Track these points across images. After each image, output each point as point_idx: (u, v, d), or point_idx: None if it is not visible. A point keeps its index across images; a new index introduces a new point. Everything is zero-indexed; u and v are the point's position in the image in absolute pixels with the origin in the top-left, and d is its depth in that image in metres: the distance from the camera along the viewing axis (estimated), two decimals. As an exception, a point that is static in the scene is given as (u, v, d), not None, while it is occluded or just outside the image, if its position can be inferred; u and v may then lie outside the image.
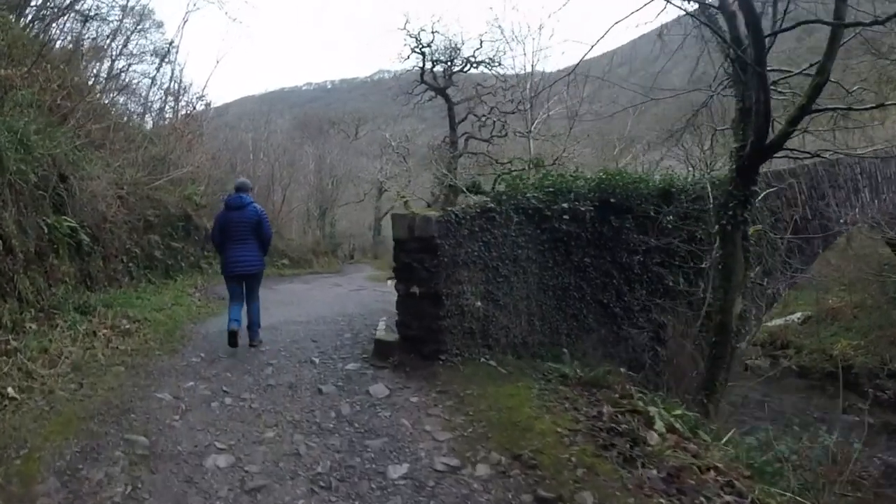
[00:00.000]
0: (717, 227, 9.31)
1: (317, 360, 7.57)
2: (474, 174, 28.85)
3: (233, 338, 7.77)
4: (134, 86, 21.76)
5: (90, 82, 17.52)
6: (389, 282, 17.94)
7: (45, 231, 9.42)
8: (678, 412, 6.02)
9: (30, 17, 16.70)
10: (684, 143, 35.58)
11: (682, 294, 10.42)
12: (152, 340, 8.40)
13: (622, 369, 7.71)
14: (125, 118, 18.69)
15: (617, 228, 9.66)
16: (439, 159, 31.14)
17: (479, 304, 7.41)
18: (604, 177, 10.25)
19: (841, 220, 14.62)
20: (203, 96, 24.45)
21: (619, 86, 14.81)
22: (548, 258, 8.77)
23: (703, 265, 10.38)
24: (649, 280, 10.21)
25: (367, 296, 14.18)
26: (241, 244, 8.06)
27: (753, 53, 7.83)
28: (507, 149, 31.43)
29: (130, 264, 13.43)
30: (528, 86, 22.61)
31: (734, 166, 8.96)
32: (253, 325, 8.28)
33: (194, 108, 24.92)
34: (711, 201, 10.33)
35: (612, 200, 9.63)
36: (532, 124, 22.87)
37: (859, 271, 23.43)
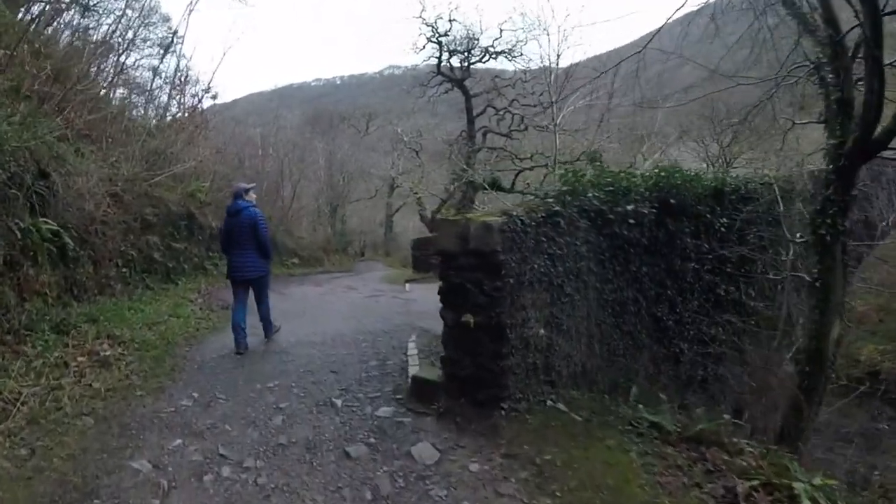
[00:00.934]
0: (812, 237, 7.83)
1: (339, 402, 6.09)
2: (493, 170, 27.29)
3: (239, 349, 8.14)
4: (136, 78, 20.21)
5: (92, 74, 16.12)
6: (408, 285, 16.59)
7: (19, 236, 8.02)
8: (818, 482, 4.55)
9: (36, 12, 15.29)
10: (703, 140, 34.42)
11: (741, 306, 9.06)
12: (136, 373, 6.93)
13: (725, 416, 6.21)
14: (125, 110, 17.15)
15: (672, 233, 8.36)
16: (457, 154, 29.63)
17: (542, 331, 5.90)
18: (662, 174, 8.79)
19: (883, 223, 13.74)
20: (209, 88, 22.74)
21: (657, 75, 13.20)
22: (608, 269, 7.35)
23: (770, 276, 9.01)
24: (701, 290, 8.83)
25: (386, 304, 12.82)
26: (240, 250, 8.21)
27: (869, 33, 6.36)
28: (525, 144, 29.92)
29: (125, 269, 12.08)
30: (553, 77, 20.98)
31: (830, 166, 7.55)
32: (265, 322, 8.71)
33: (200, 101, 23.47)
34: (781, 205, 8.98)
35: (671, 201, 8.22)
36: (558, 117, 21.28)
37: (887, 273, 21.98)
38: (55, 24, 16.08)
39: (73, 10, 16.64)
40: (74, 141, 12.36)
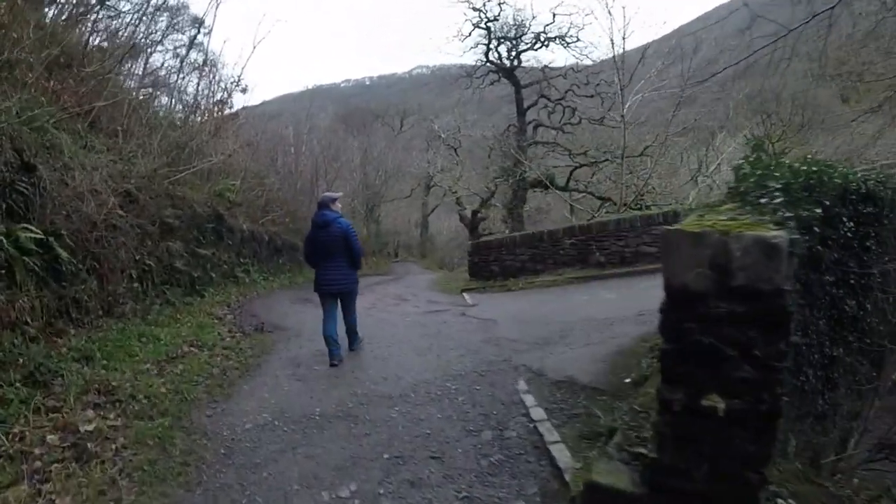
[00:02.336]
0: None
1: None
2: (548, 167, 24.97)
3: (333, 360, 7.77)
4: (160, 70, 18.20)
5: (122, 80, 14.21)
6: (468, 296, 14.45)
7: (-14, 248, 5.96)
8: None
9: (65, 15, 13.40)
10: (753, 133, 31.95)
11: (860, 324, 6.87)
12: (127, 474, 4.41)
13: None
14: (146, 101, 15.16)
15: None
16: (502, 149, 27.36)
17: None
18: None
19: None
20: (239, 81, 20.74)
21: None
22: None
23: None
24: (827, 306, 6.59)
25: (457, 325, 10.46)
26: (330, 262, 7.99)
27: None
28: (579, 138, 27.55)
29: (138, 283, 10.00)
30: (621, 62, 18.57)
31: None
32: (351, 334, 8.48)
33: (230, 95, 21.50)
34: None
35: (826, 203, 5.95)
36: (625, 106, 18.90)
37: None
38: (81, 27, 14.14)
39: (99, 12, 14.68)
40: (84, 134, 10.46)
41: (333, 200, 8.33)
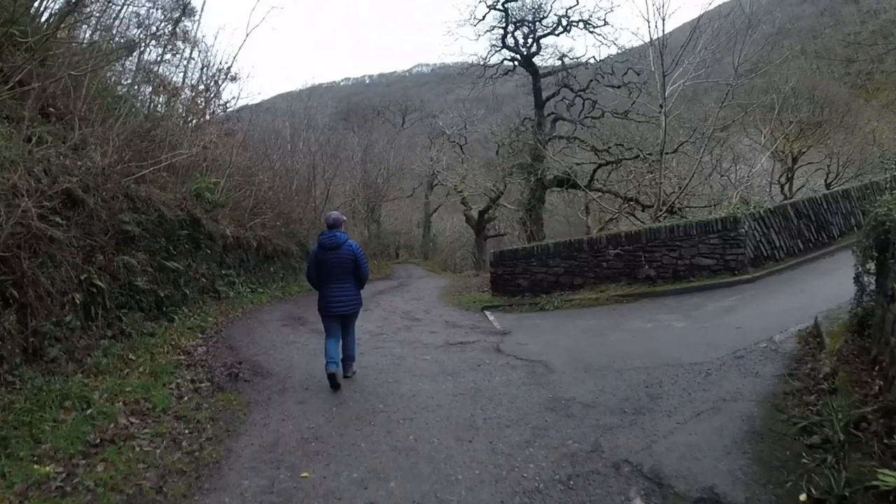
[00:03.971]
0: None
1: None
2: (572, 164, 22.54)
3: (333, 380, 7.23)
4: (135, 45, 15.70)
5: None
6: (491, 315, 12.18)
7: None
8: None
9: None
10: (771, 132, 29.77)
11: None
12: None
13: None
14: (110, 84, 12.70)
15: None
16: (522, 144, 24.98)
17: None
18: None
19: None
20: (229, 69, 18.44)
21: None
22: None
23: None
24: None
25: (498, 371, 7.69)
26: (337, 284, 7.67)
27: None
28: (599, 133, 25.14)
29: (81, 312, 7.67)
30: (661, 44, 16.10)
31: None
32: (347, 360, 7.91)
33: (216, 82, 19.11)
34: None
35: None
36: (663, 97, 16.39)
37: None
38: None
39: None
40: (32, 122, 8.14)
41: (343, 222, 7.99)
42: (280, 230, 19.35)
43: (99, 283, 8.18)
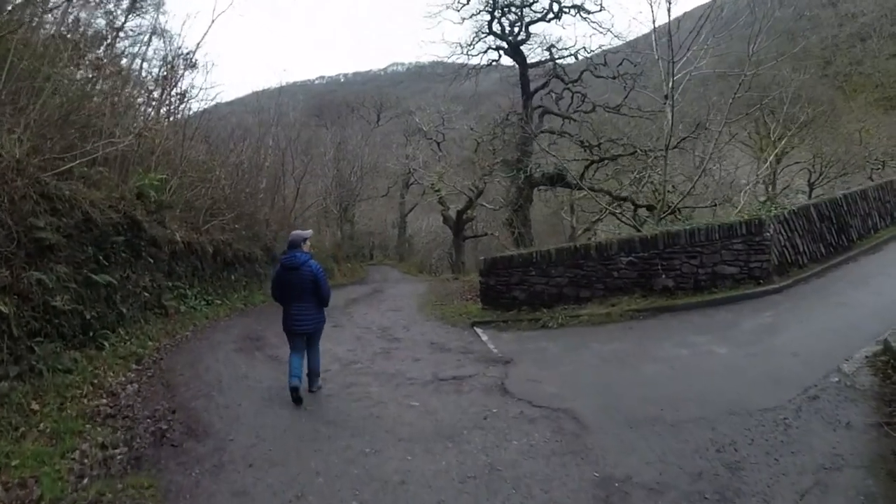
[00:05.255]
0: None
1: None
2: (564, 159, 20.94)
3: (296, 393, 7.14)
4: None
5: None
6: (483, 333, 10.56)
7: None
8: None
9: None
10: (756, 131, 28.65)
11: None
12: None
13: None
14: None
15: None
16: (507, 139, 23.39)
17: None
18: None
19: None
20: (188, 55, 16.58)
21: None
22: None
23: None
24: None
25: (513, 431, 5.76)
26: (299, 303, 7.59)
27: None
28: (590, 129, 23.59)
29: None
30: (668, 30, 14.49)
31: None
32: (312, 375, 7.77)
33: (173, 67, 17.17)
34: None
35: None
36: (669, 85, 14.75)
37: None
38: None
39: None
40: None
41: (305, 240, 7.89)
42: (241, 233, 17.35)
43: (1, 306, 6.37)
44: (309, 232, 8.33)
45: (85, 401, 6.53)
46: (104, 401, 6.68)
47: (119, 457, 5.27)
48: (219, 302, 14.18)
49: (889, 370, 5.96)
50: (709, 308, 10.20)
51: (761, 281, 10.69)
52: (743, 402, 5.78)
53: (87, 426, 5.85)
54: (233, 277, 16.09)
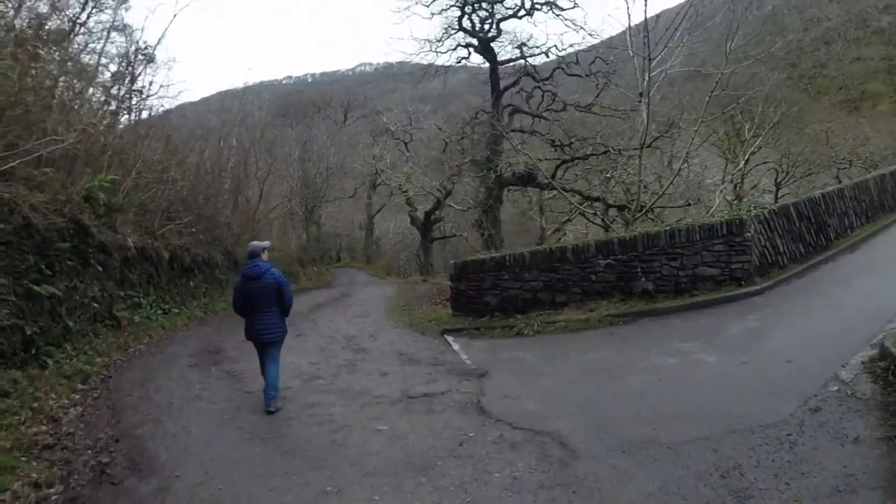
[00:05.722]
0: None
1: None
2: (535, 158, 20.56)
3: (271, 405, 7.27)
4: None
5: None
6: (455, 343, 10.27)
7: None
8: None
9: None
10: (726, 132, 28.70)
11: None
12: None
13: None
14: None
15: None
16: (477, 138, 22.98)
17: None
18: None
19: None
20: (147, 49, 15.86)
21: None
22: None
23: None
24: None
25: (496, 462, 5.09)
26: (261, 313, 7.59)
27: None
28: (560, 128, 23.32)
29: None
30: (645, 24, 14.14)
31: None
32: (269, 389, 7.49)
33: (131, 63, 16.41)
34: None
35: None
36: (645, 82, 14.35)
37: None
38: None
39: None
40: None
41: (264, 250, 7.94)
42: (200, 237, 16.57)
43: None
44: (267, 243, 8.41)
45: (22, 428, 5.86)
46: (44, 428, 6.02)
47: (54, 497, 4.63)
48: (176, 311, 13.51)
49: (890, 377, 5.62)
50: (691, 312, 9.87)
51: (743, 282, 10.42)
52: (742, 418, 5.35)
53: (23, 459, 5.19)
54: (191, 284, 15.37)
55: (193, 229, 15.93)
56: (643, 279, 10.70)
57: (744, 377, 6.49)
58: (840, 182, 30.34)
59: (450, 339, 10.94)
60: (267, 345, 7.63)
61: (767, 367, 6.68)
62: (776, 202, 21.51)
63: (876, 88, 57.42)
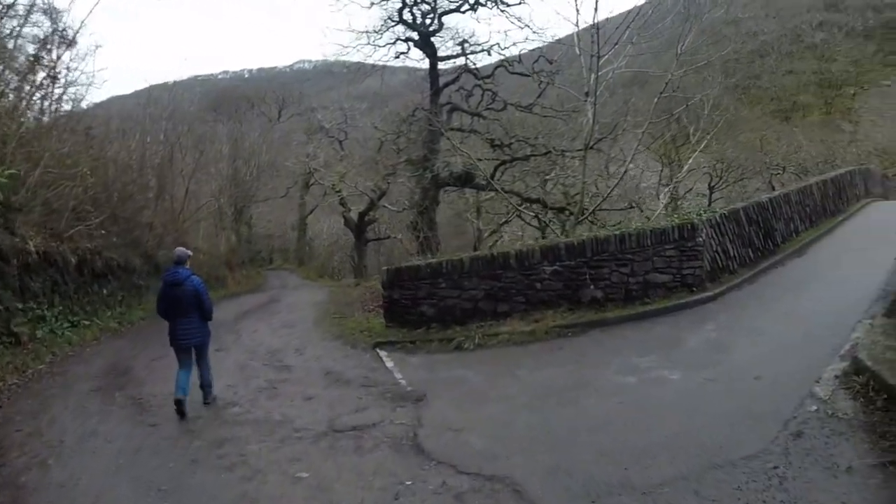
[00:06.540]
0: None
1: None
2: (471, 160, 19.92)
3: (180, 406, 7.45)
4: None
5: None
6: (388, 360, 9.60)
7: None
8: None
9: None
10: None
11: None
12: None
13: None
14: None
15: None
16: (413, 136, 22.31)
17: None
18: None
19: None
20: (65, 30, 14.55)
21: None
22: None
23: None
24: None
25: (426, 494, 4.61)
26: (183, 318, 7.94)
27: None
28: (503, 126, 22.83)
29: None
30: (595, 22, 13.74)
31: None
32: (206, 387, 8.10)
33: (45, 46, 15.14)
34: None
35: None
36: (594, 80, 13.91)
37: None
38: None
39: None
40: None
41: (189, 257, 8.29)
42: (114, 240, 15.21)
43: None
44: (190, 252, 8.71)
45: None
46: None
47: None
48: (87, 322, 12.32)
49: (870, 393, 5.25)
50: (643, 321, 9.45)
51: (695, 288, 10.10)
52: (721, 448, 4.75)
53: None
54: (105, 292, 14.12)
55: (105, 231, 14.55)
56: (592, 287, 10.15)
57: (713, 397, 5.97)
58: (773, 187, 31.01)
59: (383, 353, 10.14)
60: (188, 350, 7.91)
61: (736, 384, 6.22)
62: (709, 206, 21.68)
63: (807, 100, 60.52)
